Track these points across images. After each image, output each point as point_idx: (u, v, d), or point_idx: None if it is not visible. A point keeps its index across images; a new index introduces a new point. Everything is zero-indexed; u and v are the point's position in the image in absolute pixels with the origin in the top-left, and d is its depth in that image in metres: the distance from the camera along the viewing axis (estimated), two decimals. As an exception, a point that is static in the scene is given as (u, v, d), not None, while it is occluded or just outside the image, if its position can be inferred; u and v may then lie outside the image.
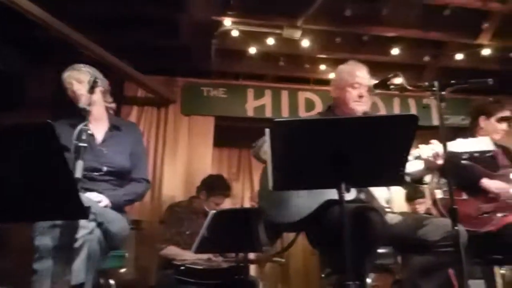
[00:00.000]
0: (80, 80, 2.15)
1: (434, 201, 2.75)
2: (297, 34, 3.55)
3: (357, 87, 2.19)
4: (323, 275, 2.26)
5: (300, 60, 4.09)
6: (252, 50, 3.91)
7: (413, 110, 4.44)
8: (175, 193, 3.98)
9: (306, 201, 1.92)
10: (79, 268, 1.58)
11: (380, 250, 2.08)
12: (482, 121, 2.79)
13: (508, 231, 2.44)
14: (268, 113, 4.35)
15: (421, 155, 1.92)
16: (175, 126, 4.20)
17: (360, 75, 2.21)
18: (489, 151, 1.92)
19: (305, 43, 3.75)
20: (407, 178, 2.16)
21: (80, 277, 1.58)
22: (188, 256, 2.79)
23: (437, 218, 2.07)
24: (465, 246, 1.89)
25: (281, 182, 1.56)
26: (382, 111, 4.41)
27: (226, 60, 4.20)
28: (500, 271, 2.77)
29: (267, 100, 4.39)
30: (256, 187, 3.73)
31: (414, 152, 1.90)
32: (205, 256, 2.82)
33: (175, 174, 4.07)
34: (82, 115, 1.79)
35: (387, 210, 2.22)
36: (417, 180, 2.15)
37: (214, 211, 2.37)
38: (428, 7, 3.43)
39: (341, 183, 1.53)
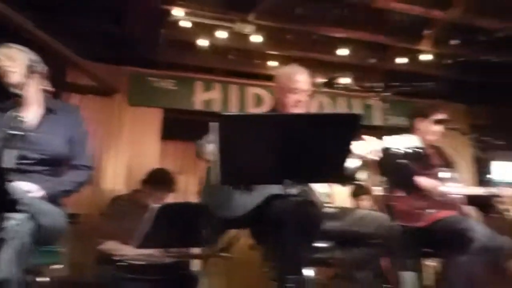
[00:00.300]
0: (11, 57, 1.94)
1: (374, 198, 2.87)
2: (248, 29, 3.55)
3: (296, 92, 2.19)
4: (265, 269, 2.27)
5: (250, 55, 4.09)
6: (202, 42, 3.85)
7: (357, 110, 4.57)
8: (117, 186, 3.85)
9: (249, 196, 1.92)
10: (4, 262, 1.47)
11: (320, 244, 2.13)
12: (419, 123, 2.93)
13: (437, 227, 2.59)
14: (217, 107, 4.32)
15: (353, 151, 1.99)
16: (119, 116, 4.05)
17: (300, 80, 2.20)
18: (419, 149, 2.02)
19: (256, 38, 3.75)
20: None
21: (5, 271, 1.46)
22: (128, 251, 2.70)
23: (372, 212, 2.15)
24: (397, 239, 2.00)
25: (228, 177, 1.55)
26: (328, 110, 4.51)
27: (175, 51, 4.11)
28: (431, 264, 2.93)
29: (216, 93, 4.35)
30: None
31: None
32: (146, 251, 2.75)
33: (118, 167, 3.93)
34: (13, 98, 1.67)
35: (327, 204, 2.29)
36: (351, 177, 2.23)
37: (159, 205, 2.31)
38: (375, 10, 3.54)
39: (285, 179, 1.55)
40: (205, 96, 4.34)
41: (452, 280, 2.48)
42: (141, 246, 2.41)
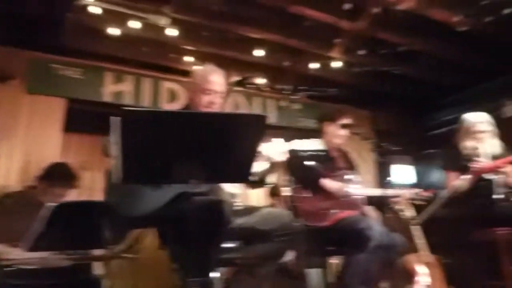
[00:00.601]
0: None
1: (282, 198, 2.94)
2: (163, 21, 3.42)
3: (209, 93, 2.17)
4: (172, 271, 2.21)
5: (165, 49, 3.95)
6: (114, 31, 3.63)
7: (271, 111, 4.66)
8: (11, 182, 3.48)
9: (157, 195, 1.85)
10: None
11: (227, 245, 2.12)
12: (327, 127, 3.07)
13: (340, 226, 2.73)
14: (128, 100, 4.12)
15: (261, 152, 2.02)
16: (14, 105, 3.67)
17: (214, 81, 2.18)
18: (323, 151, 2.11)
19: (172, 32, 3.64)
20: (253, 178, 2.27)
21: None
22: (18, 255, 2.45)
23: (277, 210, 2.19)
24: (301, 237, 2.06)
25: (130, 175, 1.47)
26: (243, 110, 4.54)
27: (84, 38, 3.82)
28: (334, 261, 3.08)
29: (127, 86, 4.15)
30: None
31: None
32: (38, 254, 2.51)
33: (11, 161, 3.56)
34: None
35: (235, 204, 2.29)
36: (260, 180, 2.27)
37: (53, 204, 2.12)
38: (289, 15, 3.62)
39: (191, 178, 1.51)
40: (115, 88, 4.11)
41: (351, 276, 2.63)
42: (32, 248, 2.20)
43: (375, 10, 3.54)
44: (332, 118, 3.08)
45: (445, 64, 4.64)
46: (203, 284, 1.65)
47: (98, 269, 3.35)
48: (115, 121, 1.36)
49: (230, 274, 2.44)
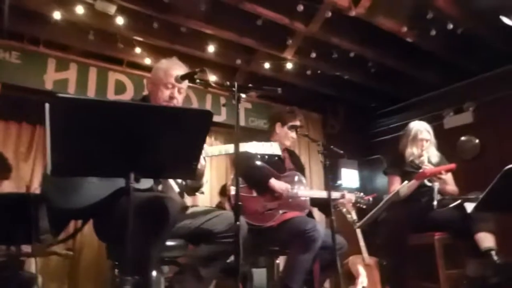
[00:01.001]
0: None
1: (229, 197, 2.90)
2: (111, 8, 3.27)
3: (170, 87, 2.13)
4: (115, 270, 2.11)
5: (113, 39, 3.78)
6: (57, 15, 3.43)
7: (221, 109, 4.62)
8: None
9: (97, 187, 1.75)
10: None
11: (171, 243, 2.07)
12: (278, 128, 3.08)
13: (285, 227, 2.75)
14: (71, 89, 3.90)
15: (208, 154, 2.00)
16: None
17: (176, 75, 2.13)
18: (276, 155, 2.11)
19: (120, 21, 3.49)
20: (183, 183, 2.24)
21: None
22: None
23: (225, 211, 2.17)
24: (244, 237, 2.05)
25: (61, 167, 1.37)
26: (195, 106, 4.46)
27: (24, 21, 3.57)
28: (276, 261, 3.09)
29: (71, 74, 3.93)
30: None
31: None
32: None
33: None
34: None
35: (184, 203, 2.24)
36: (194, 188, 2.24)
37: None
38: (244, 13, 3.60)
39: (130, 172, 1.44)
40: (58, 76, 3.88)
41: (293, 276, 2.64)
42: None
43: (328, 14, 3.60)
44: (283, 120, 3.10)
45: (392, 73, 4.81)
46: (141, 283, 1.58)
47: (32, 265, 3.16)
48: (47, 108, 1.26)
49: (173, 274, 2.38)
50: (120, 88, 4.16)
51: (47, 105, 1.29)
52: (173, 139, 1.45)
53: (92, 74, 4.04)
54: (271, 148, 2.10)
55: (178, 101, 2.17)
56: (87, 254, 3.87)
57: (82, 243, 3.81)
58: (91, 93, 3.99)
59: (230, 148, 2.02)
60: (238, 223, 1.77)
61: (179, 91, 2.16)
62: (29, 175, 4.42)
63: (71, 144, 1.32)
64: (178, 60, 2.22)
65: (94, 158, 1.40)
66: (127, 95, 4.14)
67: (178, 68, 2.15)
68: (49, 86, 3.84)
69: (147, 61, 4.07)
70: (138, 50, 3.92)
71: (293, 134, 3.08)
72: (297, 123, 3.10)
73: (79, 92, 3.90)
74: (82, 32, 3.68)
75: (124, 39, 3.80)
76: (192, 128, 1.44)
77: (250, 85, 1.95)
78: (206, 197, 4.59)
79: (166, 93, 2.12)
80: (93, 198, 1.73)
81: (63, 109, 1.25)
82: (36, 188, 4.27)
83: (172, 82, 2.11)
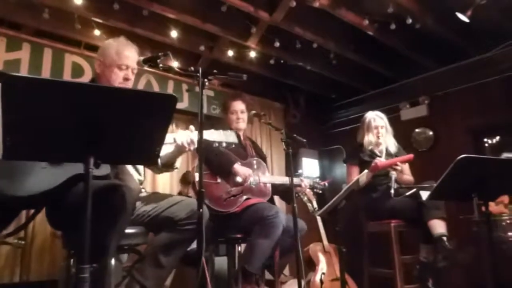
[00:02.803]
0: None
1: (193, 183, 2.89)
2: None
3: (124, 68, 2.06)
4: (71, 259, 2.04)
5: (71, 19, 3.60)
6: (9, -9, 3.23)
7: (186, 94, 4.54)
8: None
9: (49, 174, 1.67)
10: None
11: (129, 230, 2.02)
12: (227, 115, 3.12)
13: (247, 213, 2.77)
14: (24, 71, 3.68)
15: (176, 139, 1.96)
16: None
17: (130, 56, 2.07)
18: (233, 143, 2.11)
19: (78, 0, 3.33)
20: (158, 162, 2.20)
21: None
22: None
23: (186, 198, 2.15)
24: (209, 225, 2.04)
25: (14, 151, 1.29)
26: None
27: (-29, -4, 3.34)
28: (238, 249, 3.10)
29: (24, 54, 3.70)
30: None
31: (169, 136, 1.91)
32: None
33: None
34: None
35: (142, 190, 2.20)
36: (169, 164, 2.20)
37: None
38: (208, -1, 3.55)
39: (89, 157, 1.38)
40: (9, 56, 3.65)
41: (254, 261, 2.67)
42: None
43: (292, 4, 3.60)
44: (227, 106, 3.13)
45: (352, 66, 4.91)
46: (98, 271, 1.54)
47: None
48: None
49: (131, 262, 2.33)
50: (77, 71, 3.98)
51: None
52: (135, 123, 1.40)
53: (47, 55, 3.83)
54: (228, 136, 2.10)
55: (131, 83, 2.11)
56: (39, 242, 3.72)
57: (34, 231, 3.66)
58: (45, 74, 3.79)
59: (179, 135, 2.00)
60: (201, 210, 1.76)
61: (132, 72, 2.10)
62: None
63: (25, 126, 1.24)
64: (126, 40, 2.14)
65: (51, 142, 1.33)
66: (85, 78, 3.97)
67: (130, 49, 2.09)
68: (-1, 66, 3.62)
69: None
70: (97, 32, 3.76)
71: (241, 117, 3.08)
72: (239, 106, 3.11)
73: (32, 73, 3.70)
74: (36, 10, 3.47)
75: (82, 19, 3.63)
76: (155, 112, 1.40)
77: (214, 71, 1.93)
78: (167, 185, 4.53)
79: (120, 74, 2.05)
80: (46, 185, 1.66)
81: (16, 89, 1.18)
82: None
83: (126, 63, 2.05)
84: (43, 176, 1.67)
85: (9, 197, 1.63)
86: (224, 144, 2.07)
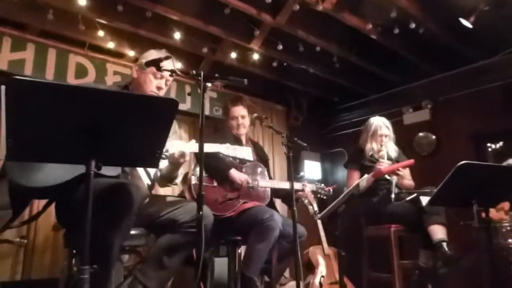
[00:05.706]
0: None
1: (189, 187, 2.90)
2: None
3: (159, 77, 2.16)
4: (72, 259, 2.05)
5: (75, 19, 3.61)
6: (15, -10, 3.25)
7: (186, 97, 4.54)
8: None
9: (62, 168, 1.69)
10: None
11: (135, 232, 2.04)
12: (228, 120, 3.13)
13: (243, 216, 2.79)
14: (28, 71, 3.71)
15: (168, 149, 1.99)
16: None
17: (166, 67, 2.12)
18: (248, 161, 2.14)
19: (83, 1, 3.35)
20: (158, 173, 2.22)
21: None
22: None
23: (189, 202, 2.17)
24: (209, 227, 2.06)
25: (16, 152, 1.31)
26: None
27: (-24, -4, 3.36)
28: (238, 251, 3.11)
29: (28, 55, 3.72)
30: None
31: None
32: None
33: None
34: None
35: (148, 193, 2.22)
36: (168, 178, 2.24)
37: None
38: (211, 1, 3.55)
39: (91, 159, 1.40)
40: (14, 56, 3.67)
41: (252, 265, 2.68)
42: None
43: (295, 7, 3.61)
44: (226, 111, 3.15)
45: (355, 70, 4.91)
46: (100, 272, 1.56)
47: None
48: (2, 90, 1.21)
49: (133, 263, 2.35)
50: (81, 71, 4.00)
51: (2, 87, 1.23)
52: (136, 127, 1.42)
53: (51, 55, 3.85)
54: (243, 152, 2.13)
55: (164, 92, 2.21)
56: (41, 241, 3.74)
57: (36, 230, 3.68)
58: (49, 75, 3.82)
59: (173, 145, 2.03)
60: (201, 213, 1.77)
61: (166, 83, 2.20)
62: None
63: (27, 128, 1.26)
64: (167, 53, 2.20)
65: (53, 144, 1.35)
66: (89, 79, 3.99)
67: (169, 61, 2.14)
68: (3, 66, 3.63)
69: (110, 45, 3.94)
70: (101, 33, 3.78)
71: (242, 122, 3.10)
72: (240, 112, 3.12)
73: (36, 73, 3.72)
74: (40, 11, 3.50)
75: (86, 20, 3.65)
76: (156, 116, 1.42)
77: (216, 75, 1.94)
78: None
79: (154, 82, 2.16)
80: (58, 179, 1.69)
81: (20, 92, 1.19)
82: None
83: (162, 73, 2.13)
84: (60, 170, 1.70)
85: (27, 188, 1.67)
86: (237, 161, 2.11)
